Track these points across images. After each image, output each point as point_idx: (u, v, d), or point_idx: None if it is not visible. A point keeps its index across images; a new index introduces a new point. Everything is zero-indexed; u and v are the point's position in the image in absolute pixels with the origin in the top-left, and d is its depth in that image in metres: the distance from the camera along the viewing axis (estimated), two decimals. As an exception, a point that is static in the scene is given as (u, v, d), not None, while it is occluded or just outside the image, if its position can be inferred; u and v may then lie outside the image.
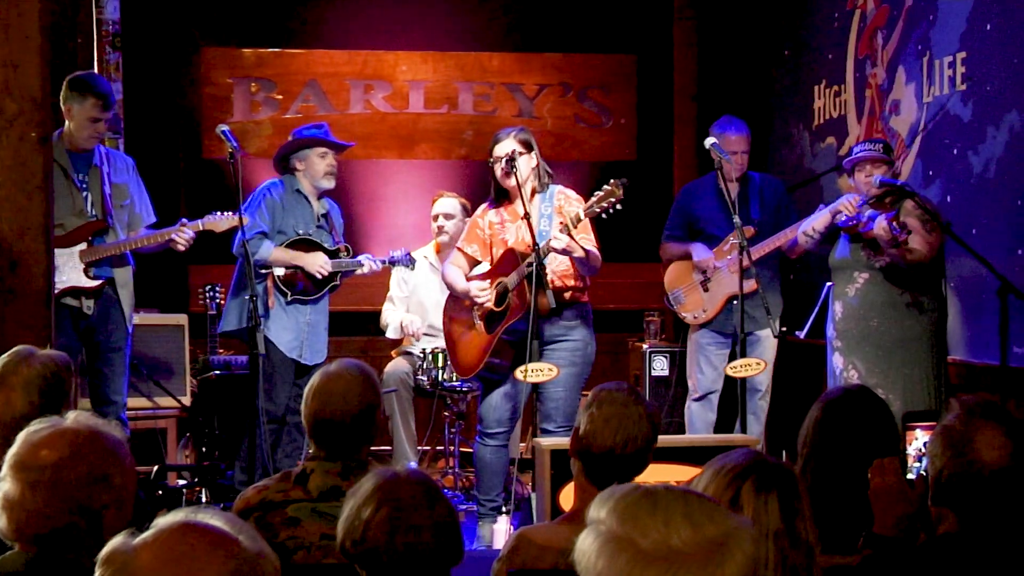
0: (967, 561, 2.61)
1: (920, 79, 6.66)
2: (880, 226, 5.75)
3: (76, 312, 6.19)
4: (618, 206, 5.76)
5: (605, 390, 3.38)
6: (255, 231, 6.50)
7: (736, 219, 5.99)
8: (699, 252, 6.78)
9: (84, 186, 6.27)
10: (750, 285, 6.56)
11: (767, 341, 6.70)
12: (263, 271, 6.52)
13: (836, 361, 6.08)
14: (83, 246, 6.19)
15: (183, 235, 6.33)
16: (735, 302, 6.67)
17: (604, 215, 5.79)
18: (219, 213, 6.38)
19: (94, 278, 6.20)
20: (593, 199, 5.82)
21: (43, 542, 2.47)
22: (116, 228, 6.32)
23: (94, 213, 6.26)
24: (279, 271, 6.61)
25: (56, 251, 6.08)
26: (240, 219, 6.20)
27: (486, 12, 9.32)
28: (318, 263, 6.64)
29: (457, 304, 6.26)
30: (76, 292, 6.17)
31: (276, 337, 6.56)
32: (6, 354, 3.81)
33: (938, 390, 5.87)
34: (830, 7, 7.74)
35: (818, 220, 6.17)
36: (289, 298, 6.64)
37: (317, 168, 6.73)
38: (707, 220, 6.85)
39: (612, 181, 5.78)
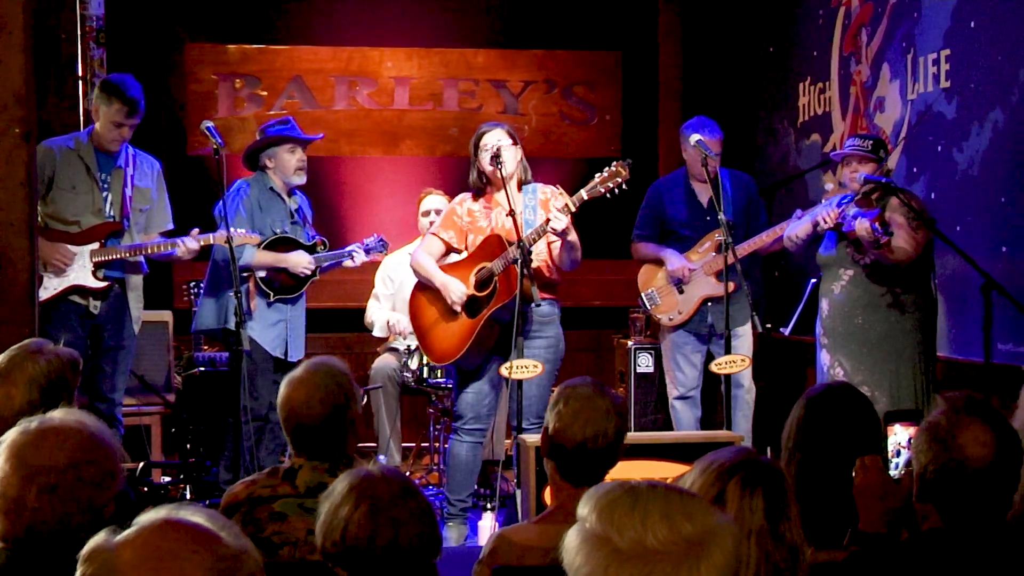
0: (951, 557, 2.62)
1: (904, 76, 6.67)
2: (861, 226, 5.73)
3: (83, 310, 6.19)
4: (624, 186, 5.76)
5: (570, 386, 3.36)
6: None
7: (721, 216, 5.99)
8: (672, 261, 6.73)
9: (106, 186, 6.27)
10: (730, 286, 6.57)
11: (746, 337, 6.69)
12: (244, 274, 6.46)
13: (823, 358, 6.08)
14: (95, 246, 6.18)
15: (186, 244, 6.29)
16: (710, 304, 6.68)
17: (609, 195, 5.78)
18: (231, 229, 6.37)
19: (102, 279, 6.20)
20: (596, 179, 5.79)
21: (44, 541, 2.46)
22: (132, 231, 6.32)
23: (111, 214, 6.27)
24: (260, 273, 6.57)
25: (68, 247, 6.10)
26: (227, 224, 6.12)
27: (471, 9, 9.32)
28: (302, 263, 6.59)
29: (429, 291, 6.17)
30: (82, 291, 6.17)
31: (260, 336, 6.51)
32: (15, 346, 3.78)
33: (926, 387, 5.86)
34: (815, 4, 7.75)
35: (800, 228, 6.17)
36: (272, 298, 6.61)
37: (288, 165, 6.66)
38: (679, 222, 6.82)
39: (616, 162, 5.79)
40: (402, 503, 2.55)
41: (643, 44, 9.31)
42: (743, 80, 8.76)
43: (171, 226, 6.55)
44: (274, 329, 6.60)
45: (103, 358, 6.29)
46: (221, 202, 6.47)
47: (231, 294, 6.37)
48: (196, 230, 6.40)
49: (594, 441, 3.25)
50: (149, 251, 6.33)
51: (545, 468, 3.40)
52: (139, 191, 6.38)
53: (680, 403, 6.83)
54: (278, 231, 6.62)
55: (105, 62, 8.35)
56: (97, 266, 6.18)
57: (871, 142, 6.00)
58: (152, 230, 6.44)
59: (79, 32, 8.21)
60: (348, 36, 9.17)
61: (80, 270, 6.16)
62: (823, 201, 6.30)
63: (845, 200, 6.01)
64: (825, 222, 5.96)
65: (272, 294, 6.59)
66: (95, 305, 6.22)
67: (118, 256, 6.22)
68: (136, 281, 6.39)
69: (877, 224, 5.68)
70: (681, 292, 6.72)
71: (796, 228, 6.21)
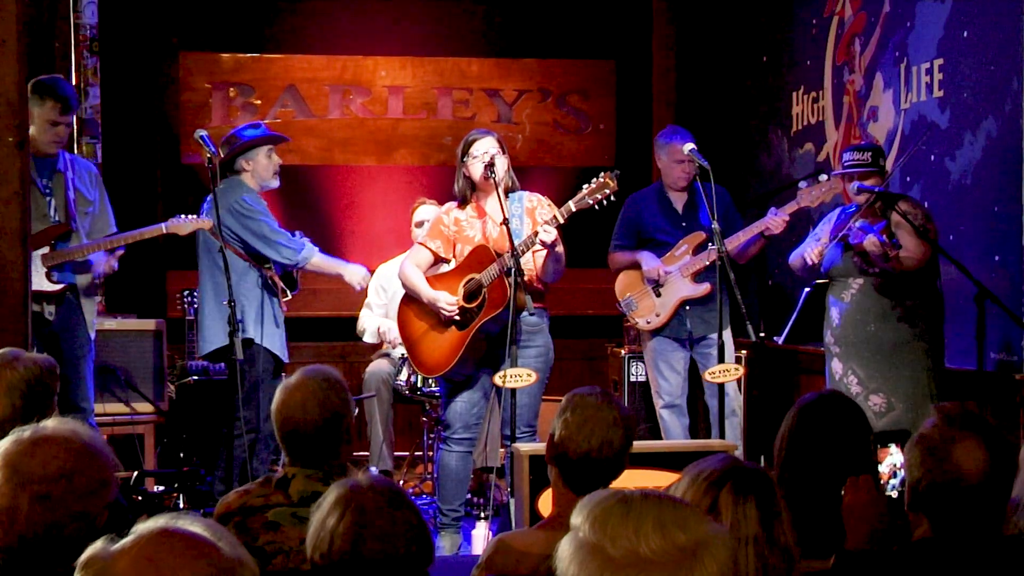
0: (942, 567, 2.62)
1: (898, 86, 6.68)
2: (870, 242, 5.72)
3: (37, 317, 6.12)
4: (612, 197, 5.77)
5: (578, 395, 3.35)
6: (280, 232, 6.46)
7: (715, 224, 5.98)
8: (647, 261, 6.72)
9: (48, 191, 6.20)
10: (704, 289, 6.58)
11: (726, 344, 6.63)
12: (267, 274, 6.46)
13: (834, 367, 6.05)
14: (45, 250, 6.13)
15: (111, 259, 6.28)
16: (688, 307, 6.69)
17: (597, 207, 5.79)
18: (183, 216, 6.33)
19: (56, 282, 6.13)
20: (584, 190, 5.79)
21: (37, 550, 2.46)
22: (80, 233, 6.25)
23: (57, 218, 6.21)
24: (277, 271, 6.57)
25: None
26: (219, 224, 6.11)
27: (465, 18, 9.33)
28: (359, 275, 6.65)
29: (417, 303, 6.12)
30: (37, 296, 6.10)
31: (271, 343, 6.47)
32: None
33: (939, 391, 5.83)
34: (808, 14, 7.77)
35: (795, 261, 6.22)
36: (290, 295, 6.59)
37: (267, 168, 6.59)
38: (656, 228, 6.82)
39: (604, 173, 5.79)
40: (390, 514, 2.53)
41: (637, 53, 9.32)
42: (736, 89, 8.77)
43: (114, 229, 6.49)
44: (279, 330, 6.57)
45: (64, 368, 6.20)
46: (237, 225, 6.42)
47: (242, 302, 6.34)
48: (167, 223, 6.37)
49: (599, 451, 3.25)
50: (105, 247, 6.28)
51: (548, 474, 3.39)
52: (80, 194, 6.30)
53: (667, 412, 6.81)
54: None
55: (99, 71, 8.36)
56: (49, 269, 6.14)
57: (869, 153, 5.96)
58: (95, 235, 6.37)
59: (73, 41, 8.22)
60: (342, 45, 9.18)
61: (33, 275, 6.09)
62: (797, 195, 6.32)
63: (850, 210, 6.00)
64: (812, 261, 6.01)
65: (289, 291, 6.56)
66: (50, 311, 6.16)
67: (71, 257, 6.16)
68: (88, 285, 6.31)
69: (885, 237, 5.67)
70: (658, 295, 6.72)
71: (793, 260, 6.26)
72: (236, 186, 6.54)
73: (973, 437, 2.66)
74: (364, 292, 7.81)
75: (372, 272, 7.88)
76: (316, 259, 6.53)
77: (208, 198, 6.36)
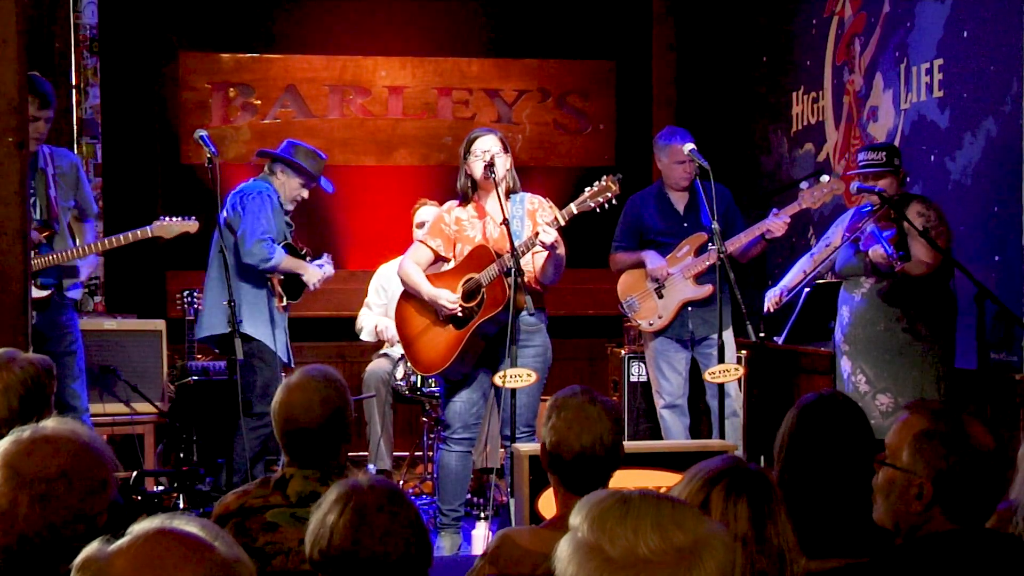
0: (968, 556, 2.60)
1: (898, 86, 6.68)
2: (876, 254, 5.70)
3: None
4: (613, 201, 5.78)
5: (561, 397, 3.36)
6: (268, 235, 6.49)
7: (715, 224, 5.98)
8: (652, 260, 6.72)
9: (31, 191, 6.15)
10: (706, 291, 6.57)
11: (727, 345, 6.63)
12: (267, 276, 6.56)
13: (844, 366, 6.03)
14: (31, 254, 6.09)
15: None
16: (690, 308, 6.69)
17: (598, 210, 5.80)
18: (166, 218, 6.35)
19: (41, 287, 6.04)
20: (586, 193, 5.80)
21: (36, 551, 2.46)
22: (64, 233, 6.21)
23: (41, 218, 6.17)
24: (280, 276, 6.62)
25: None
26: (230, 223, 6.16)
27: (465, 18, 9.34)
28: (315, 278, 6.70)
29: (415, 300, 6.12)
30: None
31: (276, 341, 6.54)
32: None
33: (947, 392, 5.81)
34: (808, 14, 7.77)
35: (792, 281, 6.24)
36: (285, 302, 6.65)
37: (294, 193, 6.78)
38: (657, 231, 6.81)
39: (606, 176, 5.80)
40: (389, 513, 2.54)
41: (637, 53, 9.33)
42: (736, 89, 8.77)
43: (95, 210, 6.54)
44: (284, 335, 6.63)
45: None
46: (237, 204, 6.50)
47: (247, 295, 6.37)
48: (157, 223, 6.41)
49: (592, 449, 3.25)
50: (89, 251, 6.27)
51: (549, 480, 3.40)
52: (62, 189, 6.24)
53: (668, 412, 6.81)
54: (285, 239, 6.66)
55: (99, 71, 8.36)
56: (34, 275, 6.09)
57: (884, 153, 5.87)
58: (78, 224, 6.37)
59: (73, 41, 8.22)
60: (342, 45, 9.19)
61: None
62: (799, 196, 6.33)
63: (865, 210, 5.97)
64: (770, 309, 6.20)
65: (285, 297, 6.62)
66: (32, 315, 6.12)
67: (56, 263, 6.09)
68: (73, 283, 6.24)
69: (893, 248, 5.63)
70: (660, 297, 6.72)
71: (788, 282, 6.32)
72: (260, 186, 6.67)
73: (968, 417, 2.68)
74: (363, 292, 7.84)
75: (373, 272, 7.91)
76: (285, 263, 6.59)
77: (231, 193, 6.51)
